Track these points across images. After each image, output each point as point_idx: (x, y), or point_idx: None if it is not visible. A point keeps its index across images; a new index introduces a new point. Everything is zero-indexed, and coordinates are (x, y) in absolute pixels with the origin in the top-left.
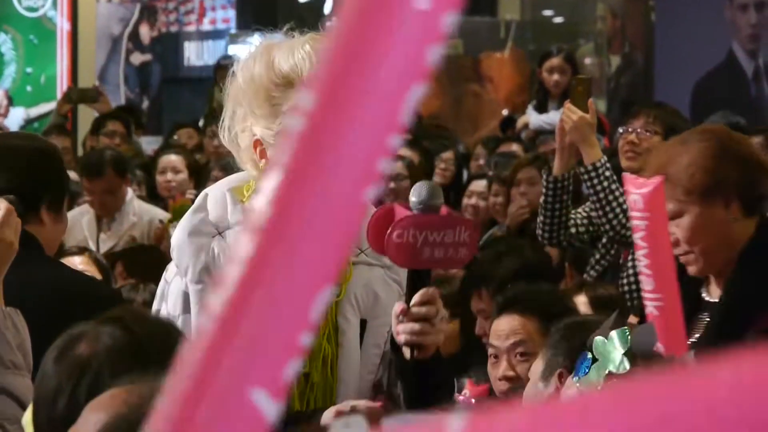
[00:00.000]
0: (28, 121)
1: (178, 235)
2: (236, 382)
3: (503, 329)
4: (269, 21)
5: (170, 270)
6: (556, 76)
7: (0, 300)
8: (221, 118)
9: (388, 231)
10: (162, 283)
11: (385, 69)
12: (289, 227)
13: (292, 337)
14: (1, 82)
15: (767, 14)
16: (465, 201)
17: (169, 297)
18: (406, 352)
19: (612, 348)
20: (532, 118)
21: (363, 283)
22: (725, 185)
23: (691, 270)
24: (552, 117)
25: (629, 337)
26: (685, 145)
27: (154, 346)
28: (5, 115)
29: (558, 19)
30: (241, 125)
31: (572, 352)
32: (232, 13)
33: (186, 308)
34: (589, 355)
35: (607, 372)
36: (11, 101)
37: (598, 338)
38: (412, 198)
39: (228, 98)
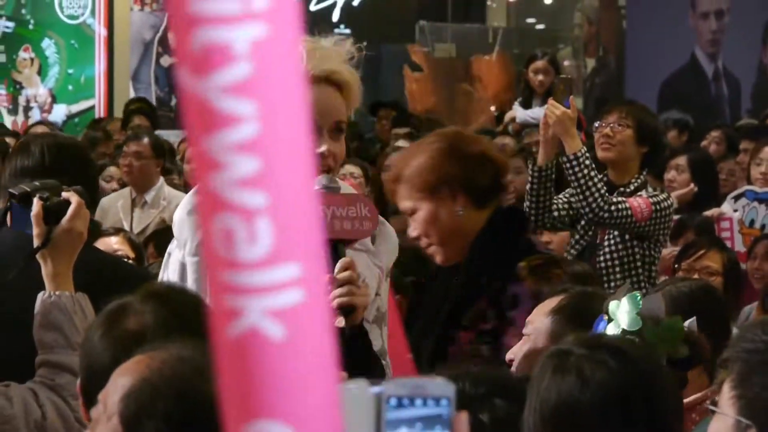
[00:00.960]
0: (70, 117)
1: (179, 212)
2: None
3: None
4: None
5: (172, 243)
6: (540, 77)
7: (70, 285)
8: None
9: None
10: (166, 254)
11: None
12: None
13: None
14: (45, 82)
15: (726, 22)
16: None
17: (169, 266)
18: (340, 320)
19: (625, 309)
20: (519, 113)
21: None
22: (449, 181)
23: (438, 259)
24: (536, 112)
25: (639, 302)
26: (419, 148)
27: (192, 317)
28: (49, 111)
29: (540, 26)
30: None
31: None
32: None
33: (183, 278)
34: (605, 318)
35: (622, 329)
36: (55, 99)
37: (613, 302)
38: (315, 186)
39: None
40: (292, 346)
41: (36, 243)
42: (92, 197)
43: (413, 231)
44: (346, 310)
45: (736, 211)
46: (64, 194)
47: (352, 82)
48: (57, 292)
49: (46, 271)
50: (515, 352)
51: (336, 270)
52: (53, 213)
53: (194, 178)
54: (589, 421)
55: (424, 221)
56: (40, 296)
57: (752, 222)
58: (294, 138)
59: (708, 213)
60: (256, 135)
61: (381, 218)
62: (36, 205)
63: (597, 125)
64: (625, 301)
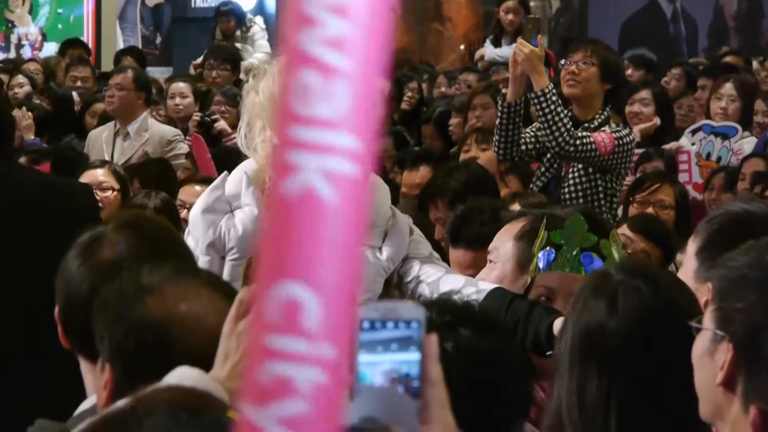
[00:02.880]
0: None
1: (195, 209)
2: None
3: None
4: None
5: (188, 236)
6: (510, 16)
7: None
8: (238, 127)
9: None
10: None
11: None
12: None
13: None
14: (36, 22)
15: None
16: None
17: None
18: None
19: (573, 231)
20: (488, 51)
21: None
22: None
23: None
24: (505, 51)
25: (583, 220)
26: None
27: (164, 242)
28: (40, 49)
29: None
30: (261, 136)
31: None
32: None
33: None
34: (552, 249)
35: (577, 249)
36: (45, 37)
37: (557, 231)
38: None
39: (245, 111)
40: (339, 212)
41: None
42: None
43: None
44: None
45: (693, 144)
46: None
47: None
48: None
49: None
50: (484, 279)
51: None
52: None
53: (283, 39)
54: (616, 344)
55: None
56: None
57: (709, 155)
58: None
59: (667, 146)
60: None
61: (396, 210)
62: None
63: (563, 63)
64: (569, 224)
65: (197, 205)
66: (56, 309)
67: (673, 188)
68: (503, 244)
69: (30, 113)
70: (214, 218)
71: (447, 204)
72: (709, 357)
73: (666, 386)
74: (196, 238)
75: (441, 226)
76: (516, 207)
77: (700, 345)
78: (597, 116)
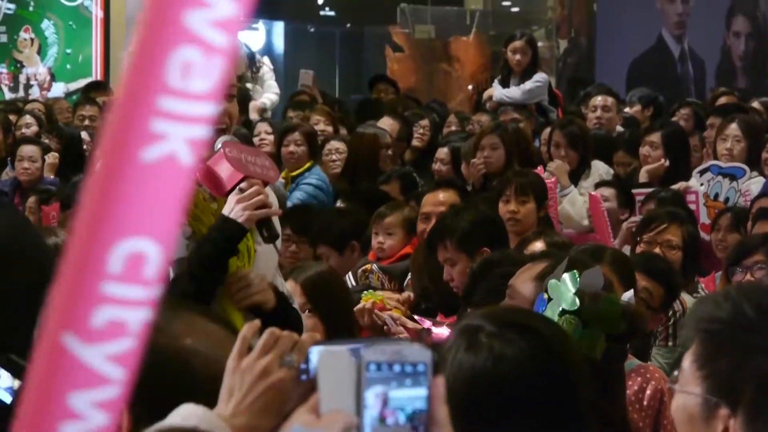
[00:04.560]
0: (68, 94)
1: None
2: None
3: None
4: (271, 9)
5: None
6: (518, 56)
7: None
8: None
9: (222, 151)
10: None
11: None
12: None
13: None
14: (45, 61)
15: (691, 5)
16: (432, 166)
17: None
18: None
19: (565, 289)
20: (496, 92)
21: None
22: None
23: None
24: (513, 92)
25: (578, 279)
26: None
27: None
28: (48, 89)
29: (515, 9)
30: None
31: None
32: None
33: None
34: (545, 296)
35: (561, 309)
36: (53, 77)
37: (552, 281)
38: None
39: None
40: (191, 173)
41: None
42: None
43: None
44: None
45: (702, 185)
46: None
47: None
48: None
49: None
50: None
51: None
52: None
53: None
54: (498, 398)
55: None
56: None
57: (716, 195)
58: None
59: (675, 186)
60: None
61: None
62: None
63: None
64: (565, 278)
65: None
66: None
67: (681, 228)
68: (523, 284)
69: (57, 153)
70: None
71: (456, 245)
72: (703, 423)
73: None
74: None
75: (450, 267)
76: (540, 244)
77: (685, 409)
78: None
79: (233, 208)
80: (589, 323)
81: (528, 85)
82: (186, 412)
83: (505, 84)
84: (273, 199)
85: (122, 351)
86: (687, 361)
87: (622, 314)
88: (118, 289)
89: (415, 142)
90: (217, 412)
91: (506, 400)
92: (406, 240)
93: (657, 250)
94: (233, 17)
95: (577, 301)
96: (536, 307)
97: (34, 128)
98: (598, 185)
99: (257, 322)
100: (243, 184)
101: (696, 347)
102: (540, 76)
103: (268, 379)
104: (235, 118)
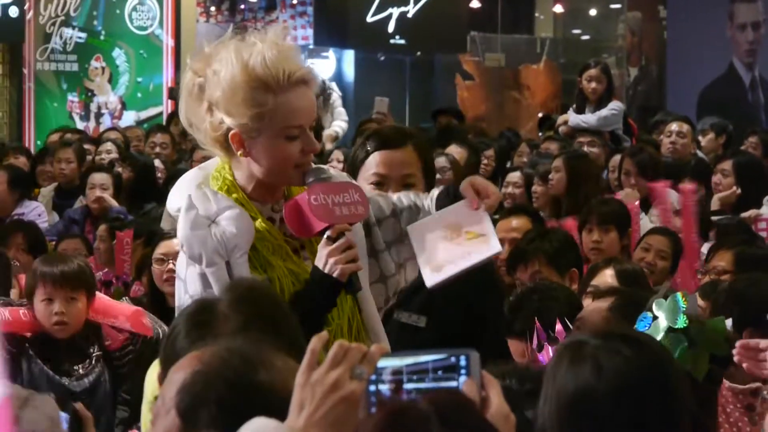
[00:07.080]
0: (138, 123)
1: (181, 232)
2: None
3: None
4: (341, 38)
5: (180, 265)
6: (593, 84)
7: None
8: (178, 109)
9: (307, 198)
10: (177, 278)
11: None
12: None
13: None
14: (116, 90)
15: (762, 33)
16: (503, 190)
17: (188, 284)
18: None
19: (673, 308)
20: (572, 117)
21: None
22: None
23: None
24: (588, 118)
25: (682, 301)
26: None
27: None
28: (119, 117)
29: (585, 37)
30: (211, 117)
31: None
32: (310, 32)
33: (206, 286)
34: (649, 315)
35: (667, 327)
36: (124, 106)
37: (659, 299)
38: (308, 180)
39: (183, 89)
40: None
41: None
42: None
43: None
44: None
45: None
46: None
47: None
48: None
49: None
50: None
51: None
52: None
53: None
54: (604, 408)
55: None
56: None
57: None
58: None
59: (745, 214)
60: None
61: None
62: None
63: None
64: (669, 299)
65: (182, 227)
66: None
67: (730, 252)
68: (591, 315)
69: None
70: (203, 232)
71: (547, 263)
72: None
73: None
74: (196, 254)
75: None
76: (609, 271)
77: None
78: None
79: (326, 262)
80: (696, 343)
81: (604, 112)
82: (259, 425)
83: (580, 111)
84: (360, 238)
85: None
86: None
87: (725, 338)
88: None
89: (481, 172)
90: (288, 425)
91: (614, 409)
92: None
93: (708, 277)
94: None
95: (686, 320)
96: (639, 325)
97: (114, 155)
98: None
99: (325, 334)
100: (329, 232)
101: None
102: (615, 104)
103: (340, 392)
104: (317, 150)
